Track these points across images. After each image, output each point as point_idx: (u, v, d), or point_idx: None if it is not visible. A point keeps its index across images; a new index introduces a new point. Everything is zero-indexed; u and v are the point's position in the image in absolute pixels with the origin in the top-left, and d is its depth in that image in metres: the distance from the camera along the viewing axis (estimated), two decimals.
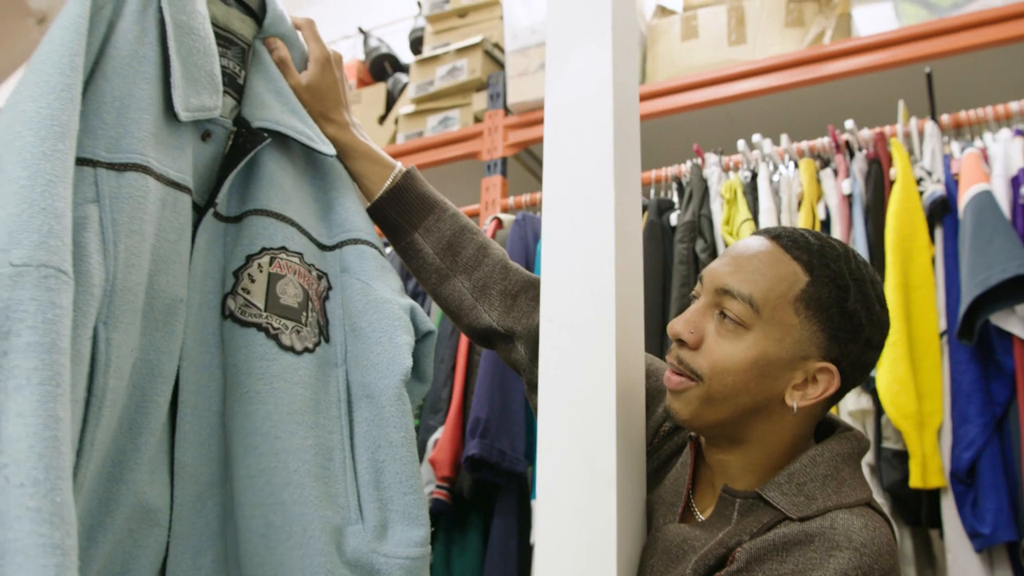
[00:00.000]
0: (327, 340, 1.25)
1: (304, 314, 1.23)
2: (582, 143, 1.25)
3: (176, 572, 1.08)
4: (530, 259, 2.65)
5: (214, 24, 1.26)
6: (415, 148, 3.33)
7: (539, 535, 1.11)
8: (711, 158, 2.69)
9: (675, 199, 2.73)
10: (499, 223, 2.86)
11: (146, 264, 1.08)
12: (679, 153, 2.85)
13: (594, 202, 1.21)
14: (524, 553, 2.35)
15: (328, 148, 1.33)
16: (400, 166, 1.41)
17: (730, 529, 1.06)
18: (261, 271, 1.21)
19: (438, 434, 2.47)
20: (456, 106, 3.32)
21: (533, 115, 3.11)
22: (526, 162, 3.36)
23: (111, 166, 1.07)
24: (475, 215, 3.10)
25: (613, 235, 1.18)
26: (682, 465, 1.21)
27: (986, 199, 2.16)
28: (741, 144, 2.68)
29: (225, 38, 1.28)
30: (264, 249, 1.22)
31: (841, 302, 1.07)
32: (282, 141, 1.29)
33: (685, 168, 2.74)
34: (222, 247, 1.23)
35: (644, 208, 2.67)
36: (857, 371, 1.11)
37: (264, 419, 1.14)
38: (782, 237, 1.11)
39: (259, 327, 1.19)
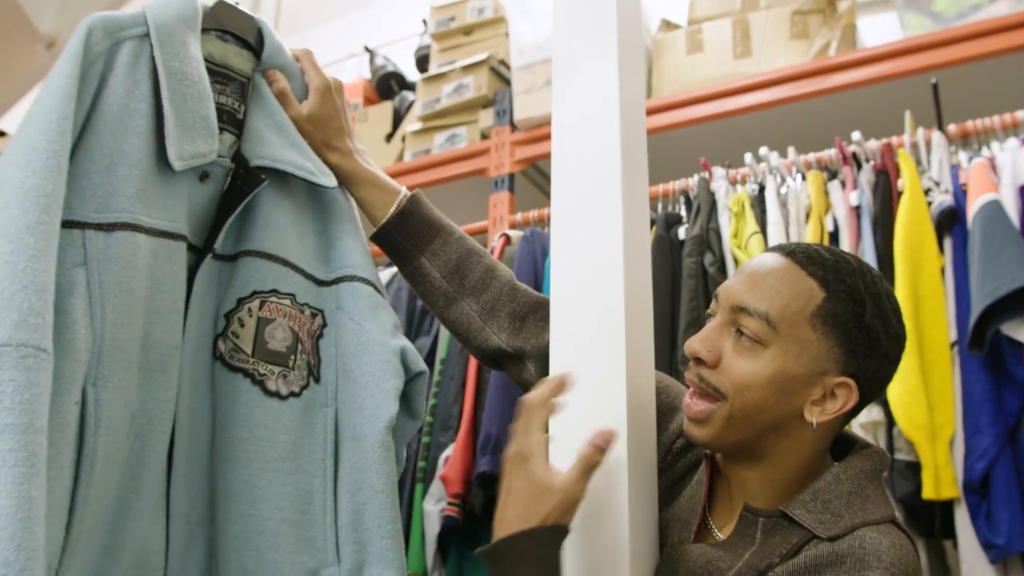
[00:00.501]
0: (317, 380, 1.26)
1: (292, 357, 1.24)
2: (589, 160, 1.25)
3: None
4: (539, 275, 2.66)
5: (211, 62, 1.27)
6: (422, 166, 3.35)
7: None
8: (718, 171, 2.69)
9: (683, 213, 2.73)
10: (507, 239, 2.87)
11: (139, 319, 1.11)
12: (686, 167, 2.85)
13: (602, 218, 1.22)
14: None
15: (329, 181, 1.33)
16: (405, 191, 1.41)
17: (755, 549, 1.05)
18: (251, 315, 1.23)
19: (449, 451, 2.48)
20: (463, 123, 3.33)
21: (540, 131, 3.12)
22: (533, 178, 3.37)
23: (99, 227, 1.09)
24: (483, 232, 3.11)
25: (622, 250, 1.19)
26: (697, 483, 1.21)
27: (995, 208, 2.16)
28: (748, 157, 2.68)
29: (223, 75, 1.29)
30: (255, 293, 1.24)
31: (858, 317, 1.07)
32: (282, 176, 1.29)
33: (692, 182, 2.75)
34: (217, 287, 1.24)
35: (652, 223, 2.67)
36: (875, 385, 1.11)
37: (244, 466, 1.17)
38: (796, 253, 1.11)
39: (245, 373, 1.21)
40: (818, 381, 1.07)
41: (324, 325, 1.28)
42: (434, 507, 2.45)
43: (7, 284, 0.95)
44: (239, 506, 1.16)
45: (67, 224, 1.06)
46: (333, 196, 1.35)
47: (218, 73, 1.28)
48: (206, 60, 1.25)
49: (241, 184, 1.25)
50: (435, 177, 3.30)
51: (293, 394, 1.23)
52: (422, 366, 1.31)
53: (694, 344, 1.11)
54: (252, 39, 1.34)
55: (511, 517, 1.03)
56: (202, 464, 1.18)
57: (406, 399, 1.30)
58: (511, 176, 3.15)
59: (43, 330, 0.96)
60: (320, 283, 1.31)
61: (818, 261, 1.09)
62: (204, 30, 1.27)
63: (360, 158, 1.41)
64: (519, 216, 3.03)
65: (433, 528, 2.43)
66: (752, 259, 1.15)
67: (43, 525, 0.90)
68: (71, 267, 1.06)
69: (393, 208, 1.39)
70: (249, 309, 1.23)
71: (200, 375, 1.19)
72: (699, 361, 1.11)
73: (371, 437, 1.23)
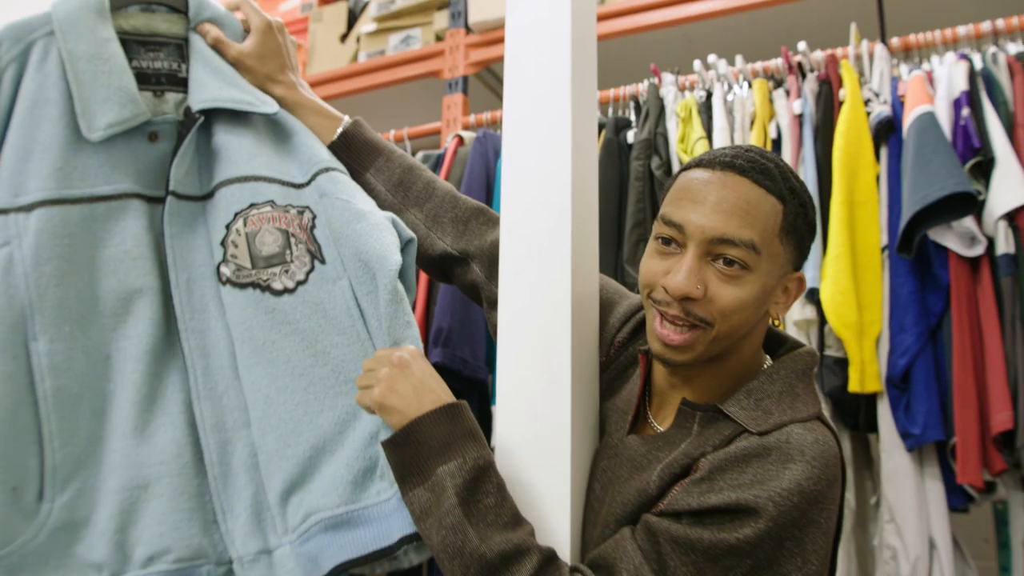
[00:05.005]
0: (323, 262, 1.34)
1: (288, 251, 1.33)
2: (540, 64, 1.30)
3: (226, 507, 1.25)
4: (491, 176, 2.71)
5: (137, 34, 1.36)
6: (377, 67, 3.36)
7: (499, 438, 1.19)
8: (668, 78, 2.75)
9: (632, 117, 2.79)
10: (460, 141, 2.91)
11: (83, 276, 1.27)
12: (637, 73, 2.90)
13: (551, 120, 1.27)
14: None
15: (268, 107, 1.40)
16: (347, 118, 1.49)
17: (692, 440, 1.12)
18: (240, 235, 1.33)
19: None
20: (417, 24, 3.34)
21: (494, 34, 3.14)
22: (487, 81, 3.40)
23: (19, 209, 1.25)
24: (436, 133, 3.15)
25: (569, 152, 1.24)
26: (636, 376, 1.27)
27: (928, 120, 2.24)
28: (697, 64, 2.74)
29: (154, 43, 1.38)
30: (236, 214, 1.33)
31: (805, 216, 1.14)
32: (232, 113, 1.38)
33: (642, 87, 2.80)
34: (204, 224, 1.35)
35: (602, 126, 2.73)
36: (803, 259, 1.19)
37: (286, 361, 1.27)
38: (747, 170, 1.11)
39: (253, 285, 1.31)
40: (781, 283, 1.14)
41: (314, 216, 1.36)
42: None
43: None
44: (292, 395, 1.27)
45: None
46: (283, 116, 1.43)
47: (148, 43, 1.38)
48: (132, 33, 1.36)
49: (183, 131, 1.35)
50: (389, 78, 3.32)
51: (300, 283, 1.32)
52: (410, 233, 1.38)
53: (681, 285, 1.08)
54: (179, 3, 1.41)
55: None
56: (226, 377, 1.29)
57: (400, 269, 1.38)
58: (465, 79, 3.18)
59: None
60: (299, 186, 1.38)
61: (766, 172, 1.12)
62: (124, 7, 1.37)
63: (303, 89, 1.49)
64: (472, 118, 3.07)
65: None
66: (700, 181, 1.12)
67: None
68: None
69: (338, 131, 1.46)
70: (236, 230, 1.32)
71: (206, 301, 1.32)
72: (685, 299, 1.11)
73: (382, 286, 1.29)
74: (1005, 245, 2.16)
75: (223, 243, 1.33)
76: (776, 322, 1.19)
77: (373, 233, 1.32)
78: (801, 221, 1.13)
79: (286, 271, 1.32)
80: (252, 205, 1.34)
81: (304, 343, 1.29)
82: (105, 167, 1.30)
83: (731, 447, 1.08)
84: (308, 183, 1.39)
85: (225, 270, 1.32)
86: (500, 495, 1.09)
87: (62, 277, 1.24)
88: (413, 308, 1.32)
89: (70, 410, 1.22)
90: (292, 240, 1.34)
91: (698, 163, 1.15)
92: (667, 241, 1.12)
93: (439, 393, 1.15)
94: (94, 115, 1.28)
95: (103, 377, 1.25)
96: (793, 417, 1.10)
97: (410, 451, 1.12)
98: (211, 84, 1.36)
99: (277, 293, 1.30)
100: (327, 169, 1.39)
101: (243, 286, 1.31)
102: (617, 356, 1.33)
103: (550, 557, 1.05)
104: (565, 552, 1.11)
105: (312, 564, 1.21)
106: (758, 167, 1.11)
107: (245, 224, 1.33)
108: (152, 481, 1.23)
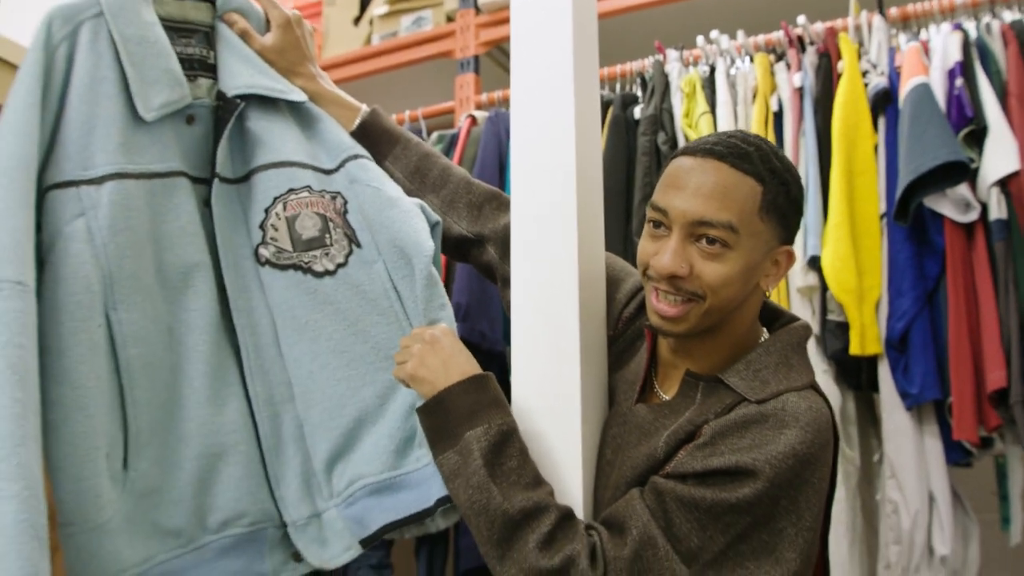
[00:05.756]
0: (359, 246, 1.44)
1: (328, 235, 1.42)
2: (543, 42, 1.37)
3: (279, 475, 1.36)
4: (503, 155, 2.79)
5: (171, 20, 1.42)
6: (389, 48, 3.43)
7: (515, 408, 1.27)
8: (672, 54, 2.82)
9: (639, 93, 2.85)
10: (473, 120, 2.99)
11: (148, 249, 1.32)
12: (643, 49, 2.96)
13: (555, 99, 1.34)
14: None
15: (298, 96, 1.48)
16: (366, 107, 1.58)
17: (695, 408, 1.22)
18: (280, 218, 1.41)
19: None
20: (428, 6, 3.40)
21: (503, 13, 3.19)
22: (498, 59, 3.46)
23: (90, 181, 1.28)
24: (449, 112, 3.23)
25: (573, 130, 1.32)
26: (643, 349, 1.37)
27: (923, 91, 2.32)
28: (700, 40, 2.81)
29: (186, 29, 1.44)
30: (275, 199, 1.42)
31: (787, 194, 1.22)
32: (261, 100, 1.45)
33: (648, 64, 2.86)
34: (239, 206, 1.42)
35: (609, 103, 2.81)
36: (794, 233, 1.28)
37: (327, 340, 1.39)
38: (725, 155, 1.20)
39: (295, 267, 1.40)
40: (769, 257, 1.23)
41: (346, 202, 1.45)
42: None
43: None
44: (336, 371, 1.38)
45: (64, 184, 1.27)
46: (308, 107, 1.51)
47: (181, 29, 1.43)
48: (165, 20, 1.40)
49: (224, 114, 1.42)
50: (402, 60, 3.39)
51: (340, 265, 1.42)
52: (436, 217, 1.48)
53: (667, 265, 1.18)
54: None
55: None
56: (272, 354, 1.39)
57: None
58: (476, 58, 3.24)
59: (20, 266, 1.18)
60: (328, 172, 1.47)
61: (745, 156, 1.20)
62: None
63: (323, 80, 1.57)
64: (484, 97, 3.13)
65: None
66: (683, 169, 1.22)
67: (32, 418, 1.12)
68: (72, 219, 1.26)
69: (357, 121, 1.56)
70: (276, 214, 1.41)
71: (249, 281, 1.40)
72: (673, 277, 1.21)
73: (418, 270, 1.40)
74: (998, 211, 2.24)
75: (261, 226, 1.41)
76: (768, 293, 1.29)
77: (406, 219, 1.42)
78: (783, 199, 1.21)
79: (326, 254, 1.41)
80: (291, 190, 1.42)
81: (345, 323, 1.39)
82: (157, 145, 1.35)
83: (731, 415, 1.18)
84: (337, 169, 1.47)
85: (264, 252, 1.40)
86: (522, 458, 1.19)
87: (132, 248, 1.29)
88: None
89: (148, 378, 1.29)
90: (330, 224, 1.43)
91: (684, 151, 1.25)
92: (657, 224, 1.23)
93: (466, 366, 1.25)
94: (148, 95, 1.34)
95: (167, 348, 1.32)
96: (788, 386, 1.20)
97: (439, 418, 1.22)
98: (242, 71, 1.43)
99: (318, 275, 1.40)
100: (355, 156, 1.48)
101: (284, 267, 1.40)
102: (625, 330, 1.43)
103: (568, 515, 1.16)
104: (579, 512, 1.21)
105: (358, 525, 1.34)
106: (737, 152, 1.20)
107: (285, 208, 1.41)
108: (228, 448, 1.33)
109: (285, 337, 1.39)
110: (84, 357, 1.23)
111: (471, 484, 1.16)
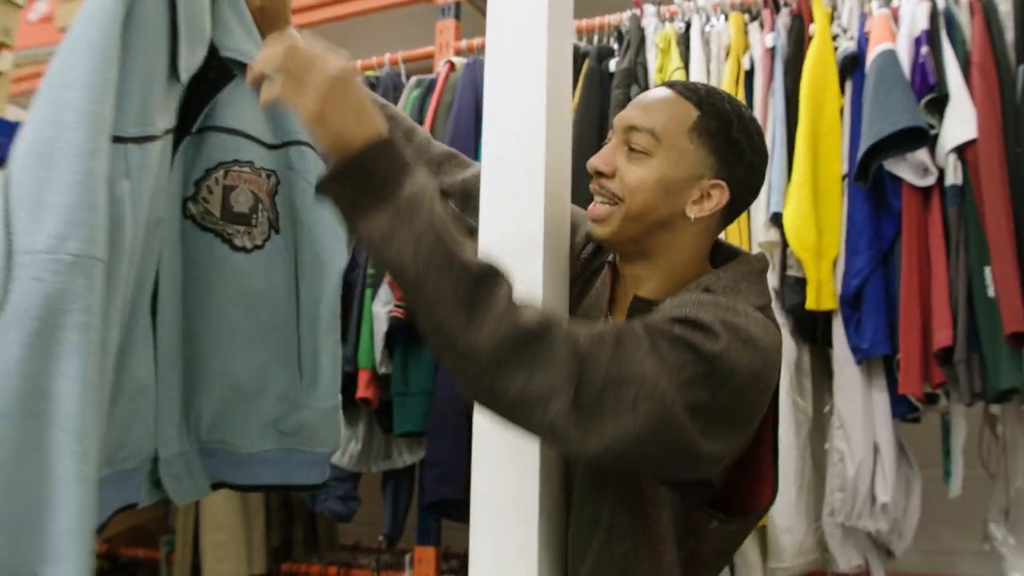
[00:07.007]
0: (277, 232, 1.48)
1: (254, 216, 1.46)
2: None
3: (163, 426, 1.40)
4: (479, 102, 2.82)
5: None
6: None
7: None
8: (649, 8, 2.86)
9: (615, 47, 2.90)
10: (452, 66, 3.03)
11: (147, 208, 1.28)
12: (622, 3, 3.00)
13: (526, 48, 1.38)
14: None
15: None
16: None
17: None
18: (218, 184, 1.43)
19: None
20: None
21: None
22: (479, 6, 3.47)
23: (136, 140, 1.22)
24: (429, 57, 3.24)
25: (544, 83, 1.36)
26: (601, 285, 1.44)
27: (889, 57, 2.39)
28: None
29: None
30: (220, 164, 1.43)
31: (726, 131, 1.31)
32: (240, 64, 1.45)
33: (625, 17, 2.91)
34: (183, 158, 1.40)
35: (585, 55, 2.85)
36: (745, 191, 1.35)
37: (219, 308, 1.43)
38: (676, 85, 1.35)
39: (216, 233, 1.43)
40: (696, 184, 1.30)
41: (278, 183, 1.49)
42: (382, 309, 2.69)
43: (79, 200, 1.12)
44: (234, 334, 1.44)
45: (113, 140, 1.18)
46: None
47: None
48: None
49: (216, 76, 1.39)
50: (383, 3, 3.40)
51: (257, 247, 1.46)
52: None
53: (594, 161, 1.33)
54: None
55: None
56: (176, 304, 1.40)
57: None
58: (458, 4, 3.25)
59: (102, 244, 1.14)
60: (270, 147, 1.49)
61: (693, 89, 1.33)
62: None
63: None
64: (464, 43, 3.16)
65: (381, 327, 2.69)
66: (640, 95, 1.39)
67: (100, 400, 1.14)
68: (119, 178, 1.19)
69: None
70: (216, 179, 1.42)
71: (174, 233, 1.40)
72: (599, 174, 1.33)
73: (328, 280, 1.49)
74: (954, 177, 2.33)
75: (197, 183, 1.41)
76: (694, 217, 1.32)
77: (331, 223, 1.47)
78: (720, 135, 1.30)
79: (248, 233, 1.45)
80: (236, 161, 1.43)
81: (243, 298, 1.44)
82: (171, 103, 1.32)
83: (684, 295, 1.25)
84: (278, 147, 1.50)
85: (192, 208, 1.41)
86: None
87: (147, 212, 1.26)
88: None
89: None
90: (260, 206, 1.46)
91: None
92: (608, 140, 1.37)
93: (379, 125, 1.10)
94: (188, 55, 1.30)
95: (132, 300, 1.29)
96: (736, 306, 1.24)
97: (360, 179, 1.07)
98: (238, 33, 1.42)
99: (235, 248, 1.43)
100: (298, 142, 1.50)
101: (204, 229, 1.42)
102: (584, 270, 1.50)
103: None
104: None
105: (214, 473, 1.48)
106: (688, 86, 1.34)
107: (226, 176, 1.43)
108: (145, 388, 1.34)
109: (188, 292, 1.42)
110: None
111: (425, 241, 1.05)
